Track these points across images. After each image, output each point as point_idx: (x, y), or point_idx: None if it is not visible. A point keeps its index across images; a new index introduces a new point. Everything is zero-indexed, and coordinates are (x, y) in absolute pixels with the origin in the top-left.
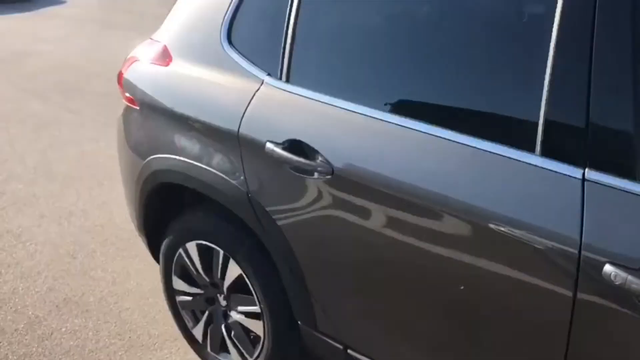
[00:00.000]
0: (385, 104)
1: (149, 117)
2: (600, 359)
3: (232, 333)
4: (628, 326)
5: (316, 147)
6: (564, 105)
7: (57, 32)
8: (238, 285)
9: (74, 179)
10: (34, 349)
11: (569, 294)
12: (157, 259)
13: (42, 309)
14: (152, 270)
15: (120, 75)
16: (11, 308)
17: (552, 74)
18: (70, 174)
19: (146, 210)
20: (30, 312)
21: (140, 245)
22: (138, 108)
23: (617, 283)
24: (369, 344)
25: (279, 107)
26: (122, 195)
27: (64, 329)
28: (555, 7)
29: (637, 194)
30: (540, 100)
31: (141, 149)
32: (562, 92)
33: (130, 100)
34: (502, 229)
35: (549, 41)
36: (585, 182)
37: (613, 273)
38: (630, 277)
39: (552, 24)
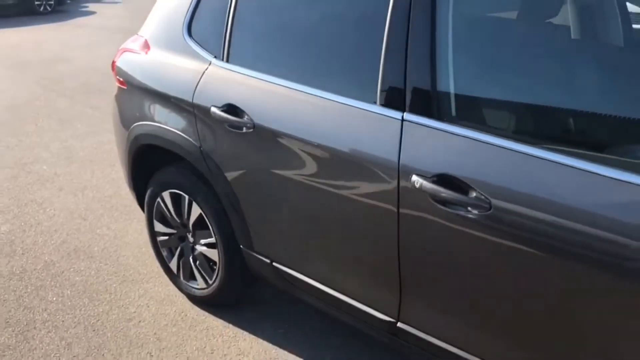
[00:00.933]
0: (291, 76)
1: (133, 94)
2: (420, 245)
3: (197, 262)
4: (428, 217)
5: (244, 109)
6: (392, 72)
7: (85, 40)
8: (200, 223)
9: (91, 162)
10: (47, 282)
11: (394, 200)
12: (143, 209)
13: (56, 255)
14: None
15: (113, 64)
16: (32, 255)
17: (386, 52)
18: (88, 158)
19: (133, 169)
20: (46, 258)
21: (139, 210)
22: (125, 88)
23: (417, 187)
24: (285, 256)
25: (220, 80)
26: None
27: (72, 269)
28: (388, 5)
29: (435, 128)
30: (379, 69)
31: (128, 120)
32: (391, 62)
33: (121, 83)
34: (353, 158)
35: (384, 29)
36: (404, 122)
37: (417, 181)
38: (424, 182)
39: (386, 16)
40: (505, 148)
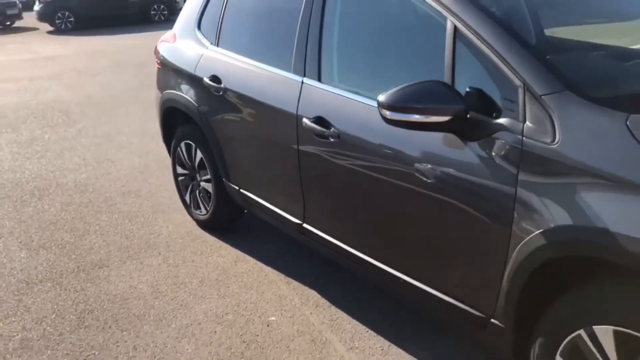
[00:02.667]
0: (251, 55)
1: (165, 70)
2: (311, 166)
3: (200, 194)
4: (312, 145)
5: (221, 78)
6: (299, 51)
7: None
8: (201, 164)
9: (159, 135)
10: (104, 209)
11: (295, 135)
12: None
13: (115, 194)
14: None
15: (155, 49)
16: (98, 193)
17: (297, 39)
18: (158, 133)
19: (164, 125)
20: (107, 195)
21: None
22: (160, 67)
23: (305, 126)
24: (245, 184)
25: (211, 59)
26: None
27: (122, 203)
28: (300, 8)
29: (317, 87)
30: (293, 49)
31: (161, 89)
32: (299, 45)
33: (158, 63)
34: (277, 109)
35: (297, 24)
36: (303, 84)
37: (305, 122)
38: (308, 123)
39: (299, 16)
40: (346, 97)
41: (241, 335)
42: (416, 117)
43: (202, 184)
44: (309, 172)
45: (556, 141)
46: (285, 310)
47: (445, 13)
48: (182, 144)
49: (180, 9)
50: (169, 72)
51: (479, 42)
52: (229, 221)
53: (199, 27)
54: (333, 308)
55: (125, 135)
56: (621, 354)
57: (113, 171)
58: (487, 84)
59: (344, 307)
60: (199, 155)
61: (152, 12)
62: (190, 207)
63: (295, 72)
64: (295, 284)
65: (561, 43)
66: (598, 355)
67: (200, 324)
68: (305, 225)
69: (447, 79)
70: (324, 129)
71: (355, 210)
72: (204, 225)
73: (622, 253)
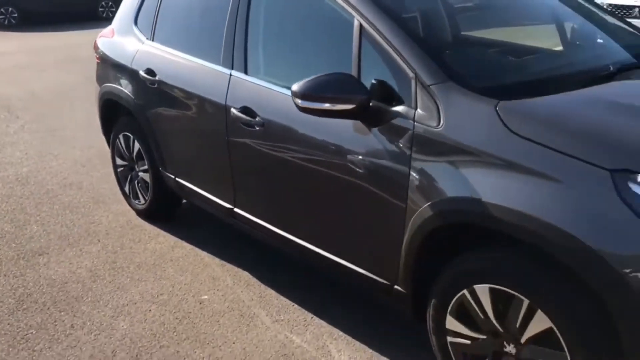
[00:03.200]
0: (182, 49)
1: (103, 65)
2: (239, 152)
3: (139, 185)
4: (240, 134)
5: (155, 71)
6: (227, 46)
7: None
8: (139, 155)
9: None
10: (45, 200)
11: (224, 124)
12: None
13: (56, 186)
14: None
15: (94, 44)
16: (39, 185)
17: (225, 35)
18: None
19: (103, 118)
20: (49, 187)
21: None
22: (99, 61)
23: (232, 116)
24: (180, 172)
25: (147, 53)
26: None
27: (64, 194)
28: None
29: (243, 79)
30: (222, 44)
31: (100, 83)
32: (227, 41)
33: (98, 58)
34: (208, 100)
35: (225, 22)
36: (231, 76)
37: (233, 112)
38: (235, 112)
39: (226, 15)
40: (270, 88)
41: (174, 312)
42: (325, 105)
43: (141, 174)
44: (238, 159)
45: (440, 125)
46: (217, 290)
47: (352, 12)
48: (121, 136)
49: None
50: (107, 67)
51: (380, 39)
52: (166, 210)
53: (135, 22)
54: (262, 286)
55: (69, 130)
56: (495, 307)
57: (55, 165)
58: (388, 76)
59: (273, 286)
60: (137, 146)
61: (100, 9)
62: (129, 197)
63: (224, 64)
64: (228, 266)
65: (467, 41)
66: (478, 310)
67: (135, 303)
68: (235, 209)
69: (354, 71)
70: (250, 118)
71: (280, 193)
72: (143, 214)
73: (494, 220)
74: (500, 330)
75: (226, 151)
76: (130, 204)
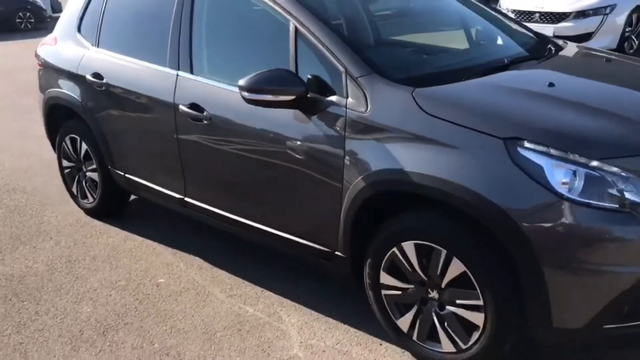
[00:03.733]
0: (129, 53)
1: (46, 72)
2: (188, 146)
3: (87, 184)
4: (188, 129)
5: (102, 74)
6: (172, 48)
7: None
8: (87, 155)
9: (39, 137)
10: (0, 193)
11: (173, 121)
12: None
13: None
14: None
15: (35, 53)
16: None
17: (170, 38)
18: (37, 135)
19: (48, 123)
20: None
21: None
22: (42, 67)
23: (181, 112)
24: (129, 169)
25: (93, 58)
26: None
27: (9, 199)
28: (172, 10)
29: (190, 78)
30: (167, 46)
31: (43, 89)
32: (172, 43)
33: (40, 64)
34: (155, 99)
35: (170, 26)
36: (178, 76)
37: (181, 109)
38: (184, 108)
39: (171, 17)
40: (215, 86)
41: (134, 295)
42: (269, 97)
43: (89, 174)
44: (187, 152)
45: (368, 110)
46: (172, 274)
47: (288, 17)
48: (67, 139)
49: (49, 17)
50: (51, 73)
51: (314, 40)
52: (115, 207)
53: (79, 30)
54: (215, 269)
55: (4, 140)
56: (420, 259)
57: None
58: (322, 71)
59: (224, 267)
60: (84, 147)
61: (18, 20)
62: (77, 197)
63: (171, 66)
64: (180, 253)
65: (388, 42)
66: (406, 264)
67: (96, 290)
68: (186, 198)
69: (292, 67)
70: (198, 113)
71: (229, 180)
72: (91, 212)
73: (414, 185)
74: (425, 279)
75: (175, 145)
76: (78, 204)
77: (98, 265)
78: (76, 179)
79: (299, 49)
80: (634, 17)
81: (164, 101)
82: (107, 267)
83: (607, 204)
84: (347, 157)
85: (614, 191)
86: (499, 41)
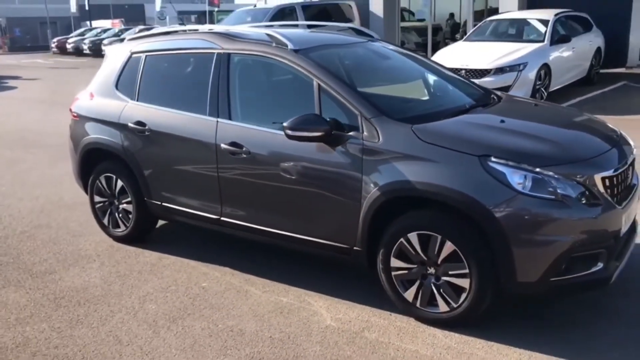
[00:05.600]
0: (171, 105)
1: (83, 123)
2: (228, 177)
3: (120, 215)
4: (229, 162)
5: (145, 122)
6: (212, 102)
7: (14, 109)
8: (122, 190)
9: (38, 184)
10: (23, 239)
11: (214, 156)
12: (85, 191)
13: (27, 227)
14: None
15: (71, 105)
16: (7, 227)
17: (210, 95)
18: (38, 183)
19: (82, 166)
20: (20, 229)
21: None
22: (78, 119)
23: (223, 149)
24: (167, 198)
25: (134, 110)
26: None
27: (39, 233)
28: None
29: (229, 123)
30: (207, 101)
31: (78, 137)
32: (211, 98)
33: (74, 116)
34: (198, 141)
35: (208, 86)
36: (218, 122)
37: (223, 146)
38: (225, 146)
39: (209, 80)
40: (252, 128)
41: (186, 295)
42: (305, 133)
43: (122, 206)
44: (226, 180)
45: (379, 141)
46: (211, 280)
47: (311, 77)
48: (102, 177)
49: None
50: (89, 124)
51: (333, 92)
52: (144, 234)
53: (116, 87)
54: (245, 274)
55: (4, 187)
56: (421, 245)
57: (14, 212)
58: (341, 114)
59: (252, 272)
60: (120, 183)
61: None
62: (108, 227)
63: (210, 114)
64: (212, 265)
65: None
66: (411, 250)
67: (152, 294)
68: (222, 218)
69: (317, 112)
70: (237, 149)
71: (262, 198)
72: (123, 239)
73: (416, 191)
74: (425, 259)
75: (216, 176)
76: (108, 233)
77: (146, 277)
78: (108, 211)
79: (322, 99)
80: (542, 72)
81: (206, 141)
82: (154, 278)
83: (547, 196)
84: (364, 175)
85: (550, 188)
86: (452, 92)
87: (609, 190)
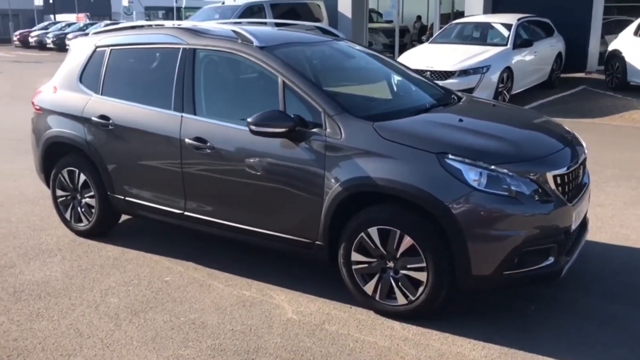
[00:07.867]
0: (134, 99)
1: (45, 116)
2: (191, 170)
3: (83, 209)
4: (192, 157)
5: (109, 116)
6: (177, 95)
7: None
8: (84, 184)
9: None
10: None
11: (179, 151)
12: (47, 184)
13: None
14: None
15: (33, 99)
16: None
17: (175, 88)
18: (10, 173)
19: (44, 159)
20: None
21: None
22: (41, 112)
23: (187, 144)
24: (130, 193)
25: (98, 103)
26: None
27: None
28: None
29: (192, 118)
30: (172, 94)
31: (40, 131)
32: (177, 91)
33: (37, 110)
34: (161, 136)
35: (174, 78)
36: (182, 117)
37: (187, 141)
38: (189, 141)
39: (174, 72)
40: (216, 123)
41: (148, 289)
42: (269, 129)
43: (85, 200)
44: (190, 175)
45: (342, 137)
46: (174, 274)
47: (276, 74)
48: (64, 171)
49: None
50: (51, 117)
51: (297, 89)
52: (108, 228)
53: (80, 80)
54: (207, 269)
55: None
56: (381, 239)
57: None
58: (304, 111)
59: (215, 267)
60: (82, 177)
61: None
62: (70, 221)
63: (175, 109)
64: (175, 259)
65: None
66: (371, 244)
67: (115, 287)
68: (186, 213)
69: (281, 109)
70: (201, 144)
71: (226, 193)
72: (85, 234)
73: (378, 187)
74: (385, 253)
75: (180, 171)
76: (70, 227)
77: (108, 271)
78: (70, 206)
79: (287, 95)
80: (504, 75)
81: (171, 136)
82: (117, 272)
83: (501, 192)
84: (327, 171)
85: (505, 185)
86: (414, 92)
87: (560, 188)
